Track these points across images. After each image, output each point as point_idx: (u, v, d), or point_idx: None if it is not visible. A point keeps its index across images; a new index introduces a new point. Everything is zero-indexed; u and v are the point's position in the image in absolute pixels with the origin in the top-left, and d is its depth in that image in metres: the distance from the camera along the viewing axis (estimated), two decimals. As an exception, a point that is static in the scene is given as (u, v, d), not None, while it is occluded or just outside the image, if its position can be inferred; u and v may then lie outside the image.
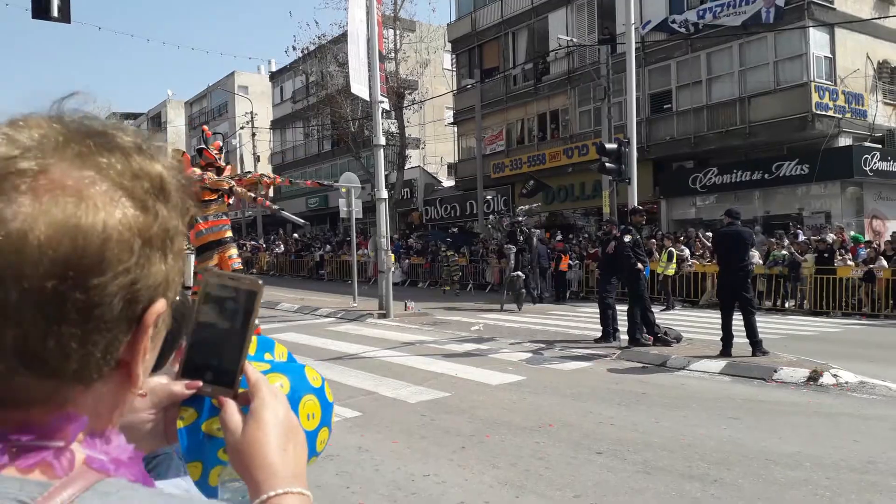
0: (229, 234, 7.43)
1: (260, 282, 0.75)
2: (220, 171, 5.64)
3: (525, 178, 20.75)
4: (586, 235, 21.28)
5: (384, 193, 13.90)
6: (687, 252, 16.17)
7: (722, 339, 8.56)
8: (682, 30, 20.43)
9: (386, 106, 15.22)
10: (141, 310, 0.55)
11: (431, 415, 5.98)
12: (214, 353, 0.74)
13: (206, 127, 5.76)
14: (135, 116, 57.33)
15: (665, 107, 21.56)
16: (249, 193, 6.63)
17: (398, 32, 27.59)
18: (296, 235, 31.56)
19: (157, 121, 56.50)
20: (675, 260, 15.31)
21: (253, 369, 0.75)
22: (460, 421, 5.75)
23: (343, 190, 15.61)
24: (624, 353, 9.12)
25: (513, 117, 26.51)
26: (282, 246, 30.20)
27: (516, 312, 13.64)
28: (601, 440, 5.19)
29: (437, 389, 6.96)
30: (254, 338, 0.87)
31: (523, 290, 13.46)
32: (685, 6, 20.62)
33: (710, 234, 17.37)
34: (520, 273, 13.68)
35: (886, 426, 5.58)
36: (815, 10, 18.33)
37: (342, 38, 21.90)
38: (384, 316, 13.29)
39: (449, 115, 30.84)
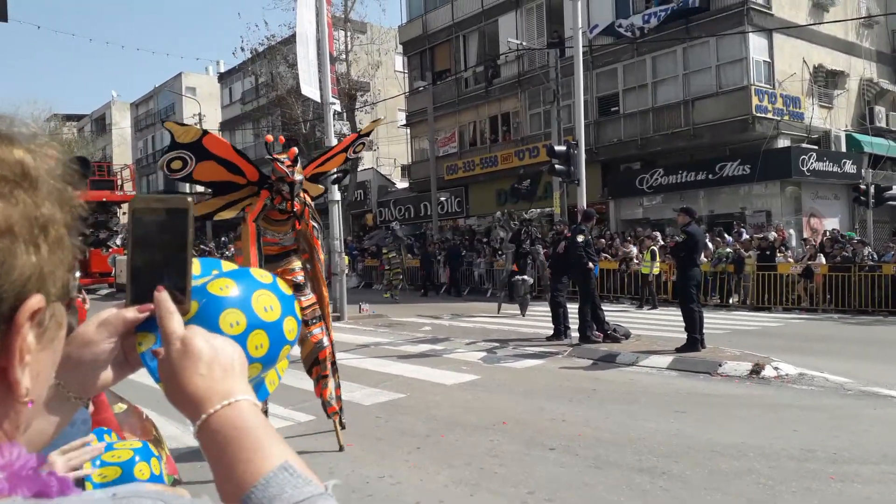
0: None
1: (189, 199, 0.76)
2: (291, 187, 4.62)
3: (520, 175, 20.49)
4: (538, 236, 21.51)
5: (337, 195, 13.82)
6: (656, 251, 16.45)
7: (689, 335, 8.73)
8: (629, 34, 20.88)
9: (337, 107, 15.12)
10: (8, 308, 0.51)
11: (386, 416, 5.98)
12: (159, 275, 0.75)
13: (269, 136, 4.84)
14: (78, 118, 55.57)
15: (612, 109, 21.99)
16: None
17: (349, 34, 27.44)
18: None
19: (101, 122, 54.89)
20: (658, 258, 15.57)
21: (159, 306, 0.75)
22: (416, 422, 5.77)
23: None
24: (575, 351, 9.28)
25: (465, 119, 26.65)
26: (232, 249, 29.67)
27: (519, 317, 13.06)
28: (554, 436, 5.28)
29: (392, 391, 6.96)
30: (197, 259, 0.89)
31: (528, 296, 12.72)
32: (631, 11, 21.07)
33: (657, 234, 17.82)
34: (527, 278, 13.04)
35: (824, 416, 5.82)
36: (755, 15, 18.98)
37: (292, 40, 21.66)
38: (338, 319, 13.21)
39: (402, 117, 30.82)
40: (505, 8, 24.69)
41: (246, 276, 0.93)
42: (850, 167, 20.04)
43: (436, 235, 24.68)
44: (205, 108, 37.02)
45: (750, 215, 19.38)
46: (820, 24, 20.38)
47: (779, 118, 19.13)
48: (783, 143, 19.35)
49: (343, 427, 5.13)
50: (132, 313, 0.76)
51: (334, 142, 13.62)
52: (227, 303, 0.87)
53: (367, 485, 4.29)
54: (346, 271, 14.54)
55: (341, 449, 4.98)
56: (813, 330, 11.87)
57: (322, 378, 5.03)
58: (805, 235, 18.65)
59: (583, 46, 15.14)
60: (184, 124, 4.40)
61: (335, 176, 6.04)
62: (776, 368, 7.54)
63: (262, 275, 0.95)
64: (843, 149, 20.70)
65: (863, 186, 19.03)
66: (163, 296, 0.74)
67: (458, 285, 20.62)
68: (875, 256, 14.70)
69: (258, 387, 0.92)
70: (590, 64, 20.65)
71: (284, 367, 0.98)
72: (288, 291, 0.96)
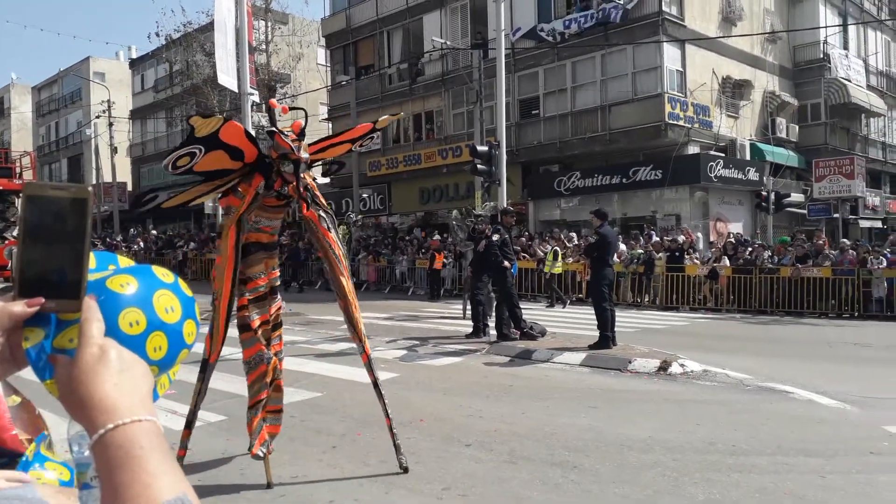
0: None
1: (89, 188, 0.73)
2: (296, 167, 3.80)
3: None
4: (455, 223, 21.64)
5: (254, 189, 13.45)
6: (558, 251, 16.87)
7: (602, 333, 8.94)
8: (550, 38, 21.32)
9: (256, 98, 14.74)
10: None
11: (301, 416, 5.87)
12: (52, 267, 0.71)
13: (273, 101, 4.04)
14: (-29, 100, 51.93)
15: (533, 112, 22.42)
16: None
17: (270, 24, 26.83)
18: (154, 232, 29.86)
19: (-2, 106, 51.50)
20: (560, 258, 15.96)
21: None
22: (332, 420, 5.69)
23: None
24: (493, 348, 9.40)
25: (384, 115, 26.49)
26: (141, 243, 28.45)
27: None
28: (470, 433, 5.32)
29: (308, 390, 6.84)
30: (92, 253, 0.85)
31: (492, 295, 11.86)
32: (553, 15, 21.54)
33: (573, 234, 18.29)
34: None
35: (726, 410, 6.12)
36: (669, 26, 19.77)
37: (209, 27, 20.96)
38: (253, 316, 12.86)
39: (323, 111, 30.38)
40: (429, 6, 24.75)
41: (147, 273, 0.89)
42: (753, 174, 21.18)
43: (356, 233, 24.43)
44: (114, 95, 35.30)
45: (661, 218, 20.18)
46: (728, 37, 21.44)
47: (689, 126, 20.01)
48: (693, 149, 20.25)
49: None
50: (20, 307, 0.71)
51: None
52: (128, 301, 0.83)
53: (280, 486, 4.19)
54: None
55: (269, 486, 4.17)
56: (717, 329, 12.47)
57: (254, 406, 4.24)
58: (711, 239, 19.58)
59: (505, 49, 15.35)
60: (207, 116, 3.58)
61: (328, 167, 5.40)
62: (682, 365, 7.87)
63: (164, 273, 0.91)
64: (748, 157, 21.87)
65: (764, 193, 20.16)
66: (93, 303, 0.72)
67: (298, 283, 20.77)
68: (774, 259, 15.59)
69: None
70: (512, 66, 20.96)
71: (176, 371, 0.93)
72: (189, 293, 0.92)
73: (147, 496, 0.62)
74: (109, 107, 34.13)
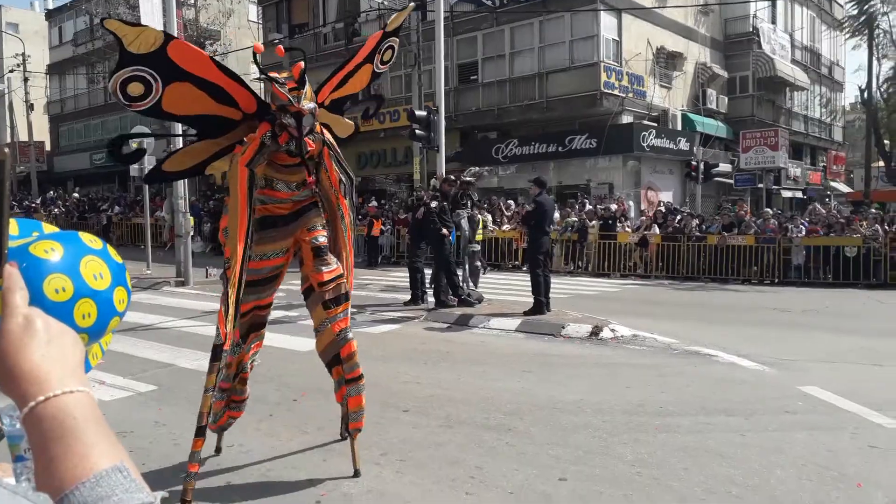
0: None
1: (6, 149, 0.68)
2: (299, 120, 3.26)
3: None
4: (397, 201, 21.56)
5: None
6: (489, 218, 17.02)
7: (536, 299, 9.11)
8: (489, 3, 21.16)
9: (185, 57, 14.11)
10: None
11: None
12: None
13: (258, 44, 3.34)
14: None
15: (472, 78, 22.31)
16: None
17: (198, -23, 25.66)
18: (76, 195, 28.54)
19: None
20: (481, 227, 16.06)
21: None
22: (268, 389, 5.63)
23: (134, 145, 14.34)
24: (431, 315, 9.45)
25: (323, 77, 25.85)
26: (61, 206, 27.14)
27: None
28: (407, 399, 5.36)
29: (242, 357, 6.72)
30: (14, 220, 0.80)
31: (478, 264, 11.48)
32: (492, -21, 21.34)
33: (510, 202, 18.44)
34: (476, 245, 11.59)
35: (653, 373, 6.35)
36: (606, -5, 19.90)
37: (133, -22, 19.88)
38: (182, 284, 12.54)
39: (255, 71, 29.39)
40: (367, -35, 24.11)
41: (74, 239, 0.84)
42: (683, 144, 21.76)
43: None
44: (29, 48, 33.20)
45: (594, 187, 20.56)
46: (663, 7, 21.76)
47: (624, 95, 20.33)
48: (626, 119, 20.62)
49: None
50: None
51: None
52: (53, 267, 0.78)
53: (215, 455, 4.13)
54: (192, 233, 13.77)
55: (356, 474, 3.83)
56: (646, 295, 12.89)
57: (350, 382, 3.83)
58: (642, 207, 20.11)
59: (444, 12, 15.16)
60: (134, 24, 2.96)
61: (365, 107, 4.25)
62: (613, 330, 8.11)
63: (92, 240, 0.87)
64: (679, 127, 22.43)
65: (694, 163, 20.77)
66: (14, 271, 0.68)
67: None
68: (702, 228, 16.15)
69: None
70: (451, 30, 20.73)
71: (109, 340, 0.90)
72: (119, 259, 0.88)
73: (83, 466, 0.61)
74: (24, 60, 32.11)
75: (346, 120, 3.96)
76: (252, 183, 3.30)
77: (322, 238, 3.73)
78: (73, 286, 0.81)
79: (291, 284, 12.58)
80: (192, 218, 14.08)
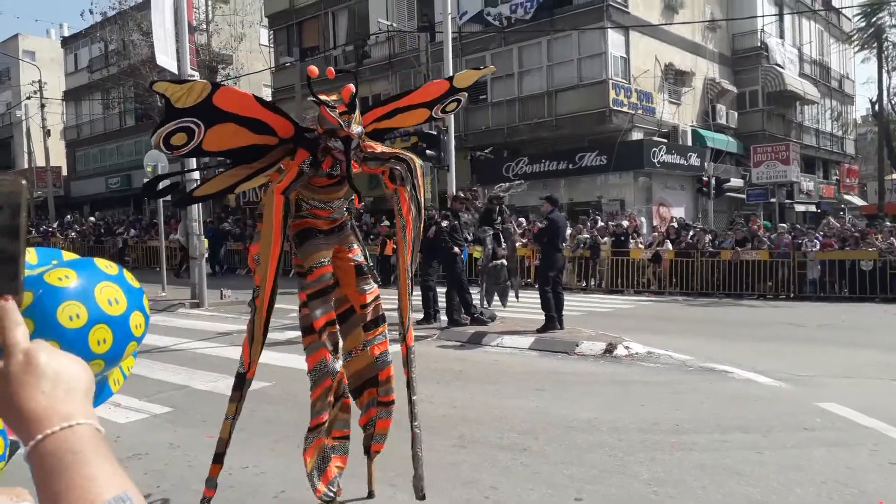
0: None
1: (23, 181, 0.70)
2: (347, 144, 3.15)
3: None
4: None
5: (196, 174, 13.12)
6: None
7: (548, 316, 9.11)
8: (497, 23, 21.34)
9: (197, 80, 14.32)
10: None
11: (251, 406, 5.76)
12: None
13: (313, 68, 3.30)
14: None
15: (481, 97, 22.45)
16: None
17: (210, 3, 26.07)
18: (92, 219, 28.85)
19: (-83, 85, 48.60)
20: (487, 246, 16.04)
21: None
22: (282, 410, 5.64)
23: (148, 169, 14.53)
24: (444, 334, 9.45)
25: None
26: (78, 229, 27.42)
27: (500, 308, 11.32)
28: (421, 418, 5.33)
29: (256, 380, 6.68)
30: (33, 248, 0.82)
31: (508, 283, 10.95)
32: (499, 0, 21.55)
33: (521, 220, 18.45)
34: (503, 262, 10.91)
35: (668, 391, 6.31)
36: (613, 12, 20.03)
37: (146, 5, 20.23)
38: (197, 305, 12.61)
39: (267, 94, 29.75)
40: (375, -12, 24.45)
41: (89, 266, 0.87)
42: (694, 160, 21.74)
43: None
44: (45, 75, 33.80)
45: (606, 203, 20.55)
46: (670, 24, 21.86)
47: (633, 112, 20.38)
48: (636, 135, 20.64)
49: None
50: None
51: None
52: (67, 294, 0.80)
53: (229, 476, 4.14)
54: (206, 255, 13.88)
55: (371, 495, 3.91)
56: (660, 311, 12.81)
57: (382, 405, 3.79)
58: (654, 223, 20.06)
59: (452, 32, 15.31)
60: (182, 81, 2.99)
61: (420, 145, 4.11)
62: (627, 347, 8.06)
63: (108, 265, 0.89)
64: (689, 143, 22.43)
65: (705, 178, 20.73)
66: (10, 305, 0.69)
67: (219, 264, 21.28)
68: (715, 243, 16.08)
69: (101, 386, 0.85)
70: (459, 50, 20.90)
71: (131, 364, 0.91)
72: (136, 284, 0.90)
73: (85, 499, 0.61)
74: (41, 87, 32.69)
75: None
76: (287, 211, 3.24)
77: (360, 257, 3.66)
78: (88, 312, 0.83)
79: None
80: (206, 240, 14.19)
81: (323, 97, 3.23)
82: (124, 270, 0.93)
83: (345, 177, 3.31)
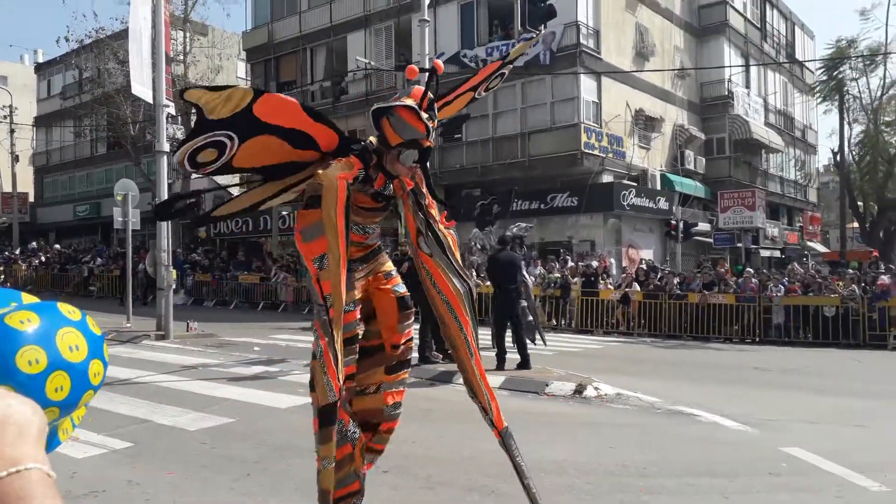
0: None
1: None
2: (425, 156, 2.94)
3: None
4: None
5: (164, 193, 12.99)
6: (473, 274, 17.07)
7: (497, 355, 9.18)
8: (472, 65, 21.71)
9: (172, 111, 14.28)
10: None
11: (213, 442, 5.65)
12: None
13: (413, 67, 3.12)
14: None
15: (456, 136, 22.70)
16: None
17: (188, 35, 26.15)
18: (58, 247, 28.28)
19: None
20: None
21: None
22: (245, 447, 5.50)
23: (118, 197, 14.35)
24: (414, 371, 9.34)
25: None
26: (42, 257, 26.84)
27: (541, 346, 11.24)
28: (388, 458, 5.23)
29: (220, 415, 6.59)
30: None
31: (531, 319, 10.78)
32: (475, 42, 21.97)
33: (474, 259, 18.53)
34: (524, 301, 10.65)
35: (637, 433, 6.30)
36: (586, 58, 20.53)
37: (123, 35, 20.22)
38: (163, 337, 12.35)
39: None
40: (354, 26, 24.77)
41: (52, 310, 0.84)
42: (663, 203, 22.14)
43: (275, 251, 23.96)
44: (17, 100, 33.41)
45: (576, 244, 20.77)
46: (641, 71, 22.46)
47: (604, 155, 20.76)
48: (607, 178, 21.00)
49: None
50: None
51: (166, 147, 12.79)
52: (27, 338, 0.78)
53: (188, 517, 4.01)
54: (174, 286, 13.66)
55: None
56: (629, 352, 12.88)
57: (371, 451, 3.39)
58: (624, 264, 20.29)
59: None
60: (219, 87, 2.54)
61: (451, 125, 3.71)
62: (597, 388, 8.07)
63: (71, 311, 0.87)
64: (658, 187, 22.86)
65: (673, 222, 21.10)
66: None
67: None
68: (683, 286, 16.29)
69: (50, 435, 0.82)
70: (435, 90, 21.14)
71: (81, 414, 0.89)
72: (97, 331, 0.88)
73: None
74: (11, 112, 32.27)
75: None
76: (349, 204, 2.72)
77: (403, 287, 3.27)
78: (48, 357, 0.81)
79: (270, 339, 12.48)
80: (174, 271, 13.97)
81: (401, 100, 2.84)
82: (87, 317, 0.90)
83: (390, 200, 2.95)
